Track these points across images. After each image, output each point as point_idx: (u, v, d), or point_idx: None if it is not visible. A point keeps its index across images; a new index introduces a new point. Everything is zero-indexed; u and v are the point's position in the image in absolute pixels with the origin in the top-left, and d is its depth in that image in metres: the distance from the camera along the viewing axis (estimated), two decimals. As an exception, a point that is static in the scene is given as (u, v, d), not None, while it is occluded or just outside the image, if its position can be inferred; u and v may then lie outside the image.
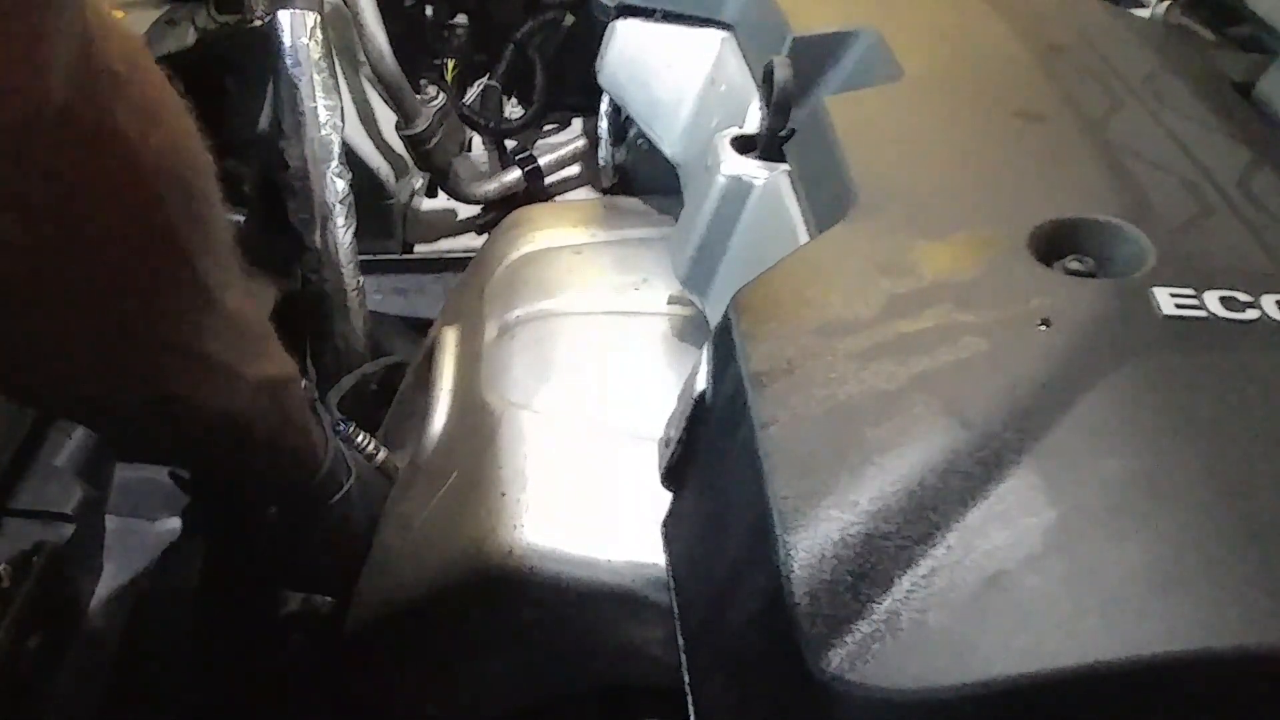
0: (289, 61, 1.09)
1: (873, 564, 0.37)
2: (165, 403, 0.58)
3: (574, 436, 0.74)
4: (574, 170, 1.34)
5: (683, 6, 0.84)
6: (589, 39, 0.93)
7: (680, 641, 0.50)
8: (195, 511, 0.87)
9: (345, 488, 0.78)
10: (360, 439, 0.86)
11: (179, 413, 0.59)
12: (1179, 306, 0.45)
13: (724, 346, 0.48)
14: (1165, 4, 0.84)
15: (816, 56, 0.70)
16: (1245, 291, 0.46)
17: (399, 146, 1.28)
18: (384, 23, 1.17)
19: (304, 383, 0.74)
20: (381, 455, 0.87)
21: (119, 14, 1.08)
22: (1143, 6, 0.85)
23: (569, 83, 1.34)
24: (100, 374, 0.54)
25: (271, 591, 0.91)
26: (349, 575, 0.82)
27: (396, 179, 1.31)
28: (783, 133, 0.67)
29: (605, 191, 1.15)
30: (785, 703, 0.39)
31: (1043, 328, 0.45)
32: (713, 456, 0.49)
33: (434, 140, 1.23)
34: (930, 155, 0.59)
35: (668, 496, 0.54)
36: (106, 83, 0.45)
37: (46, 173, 0.43)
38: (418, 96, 1.24)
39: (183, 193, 0.51)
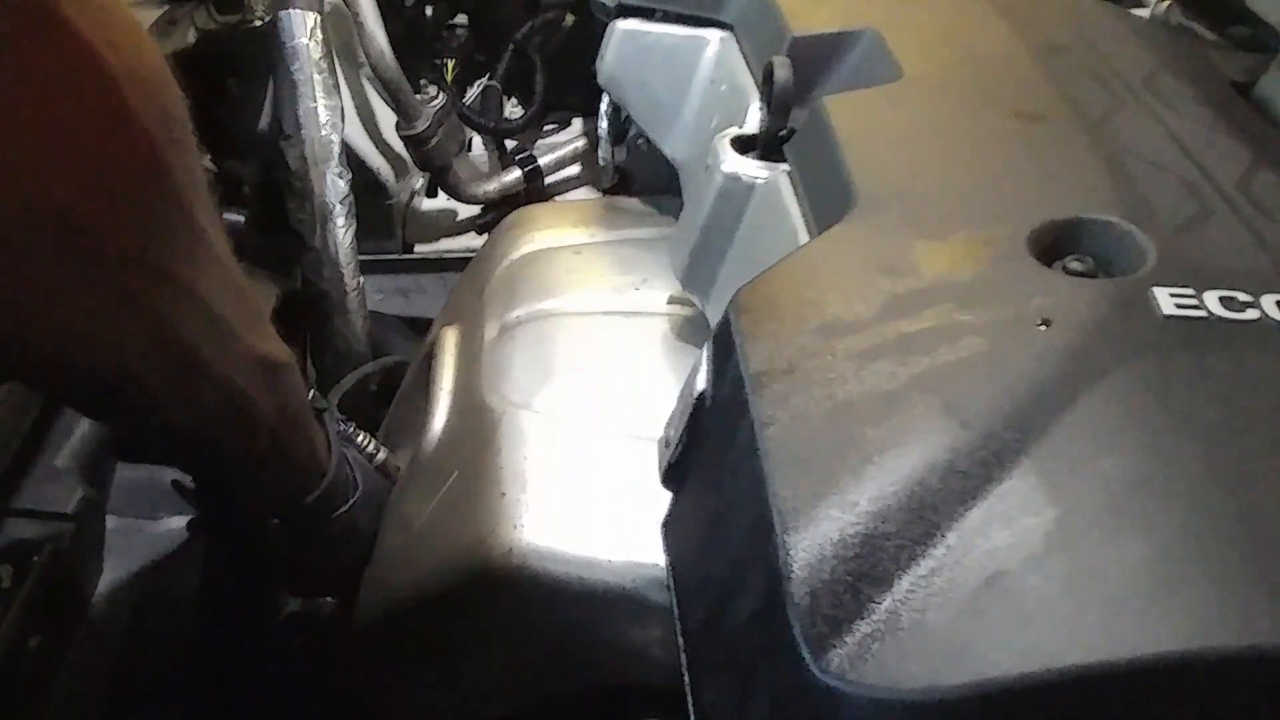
0: (289, 61, 1.09)
1: (873, 564, 0.37)
2: (170, 354, 0.56)
3: (574, 436, 0.74)
4: (574, 170, 1.34)
5: (683, 6, 0.84)
6: (589, 39, 0.93)
7: (680, 641, 0.50)
8: (199, 521, 0.87)
9: (351, 502, 0.78)
10: (360, 439, 0.86)
11: (184, 373, 0.58)
12: (1179, 306, 0.45)
13: (724, 346, 0.48)
14: (1165, 4, 0.84)
15: (816, 56, 0.70)
16: (1245, 291, 0.46)
17: (399, 146, 1.28)
18: (384, 23, 1.17)
19: (312, 392, 0.74)
20: (381, 455, 0.87)
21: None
22: (1143, 6, 0.85)
23: (569, 83, 1.34)
24: (102, 306, 0.51)
25: (273, 592, 0.91)
26: (350, 581, 0.81)
27: (396, 179, 1.31)
28: (783, 133, 0.67)
29: (605, 191, 1.15)
30: (785, 703, 0.39)
31: (1043, 328, 0.45)
32: (713, 457, 0.49)
33: (434, 140, 1.23)
34: (930, 155, 0.59)
35: (668, 496, 0.54)
36: None
37: None
38: (418, 96, 1.24)
39: (154, 107, 0.49)
